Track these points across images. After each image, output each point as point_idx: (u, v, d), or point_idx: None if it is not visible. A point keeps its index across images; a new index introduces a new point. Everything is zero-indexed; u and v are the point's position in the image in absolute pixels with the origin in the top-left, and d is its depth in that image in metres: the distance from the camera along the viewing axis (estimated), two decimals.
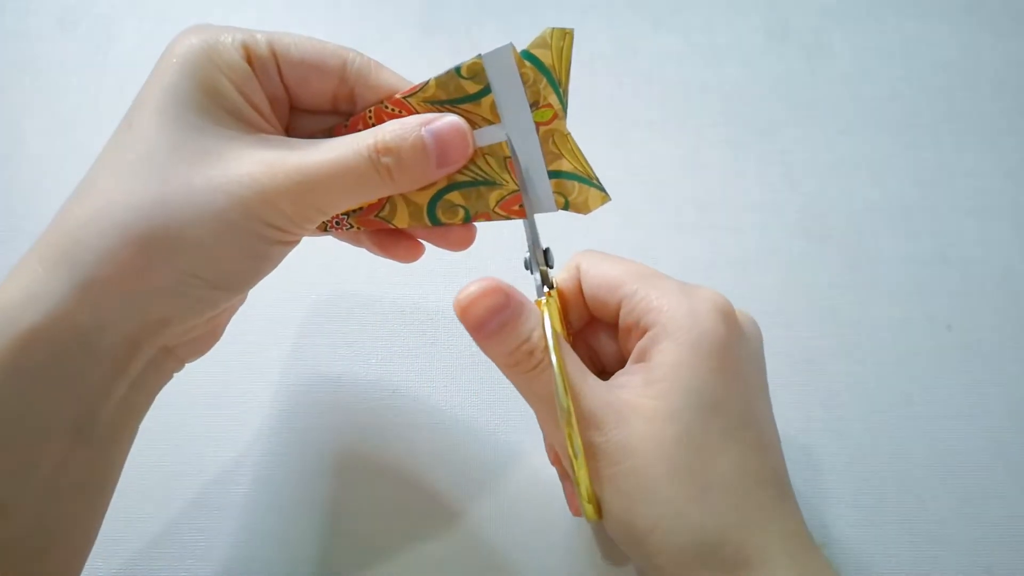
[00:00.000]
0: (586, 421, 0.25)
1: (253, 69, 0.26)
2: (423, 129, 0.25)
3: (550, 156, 0.27)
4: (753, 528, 0.25)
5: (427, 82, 0.26)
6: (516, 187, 0.27)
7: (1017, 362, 0.39)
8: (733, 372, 0.27)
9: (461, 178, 0.27)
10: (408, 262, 0.31)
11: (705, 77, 0.46)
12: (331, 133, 0.28)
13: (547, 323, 0.26)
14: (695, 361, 0.26)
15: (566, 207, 0.28)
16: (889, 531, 0.35)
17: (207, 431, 0.36)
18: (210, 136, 0.24)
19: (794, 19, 0.48)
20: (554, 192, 0.27)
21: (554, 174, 0.27)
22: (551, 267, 0.28)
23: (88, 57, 0.46)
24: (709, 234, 0.42)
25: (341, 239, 0.31)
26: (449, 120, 0.26)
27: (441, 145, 0.26)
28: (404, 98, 0.27)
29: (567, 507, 0.35)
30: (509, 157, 0.27)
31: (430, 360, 0.38)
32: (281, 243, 0.26)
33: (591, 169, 0.27)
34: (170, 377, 0.28)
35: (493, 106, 0.26)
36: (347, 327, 0.39)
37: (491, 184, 0.27)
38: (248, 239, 0.25)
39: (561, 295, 0.31)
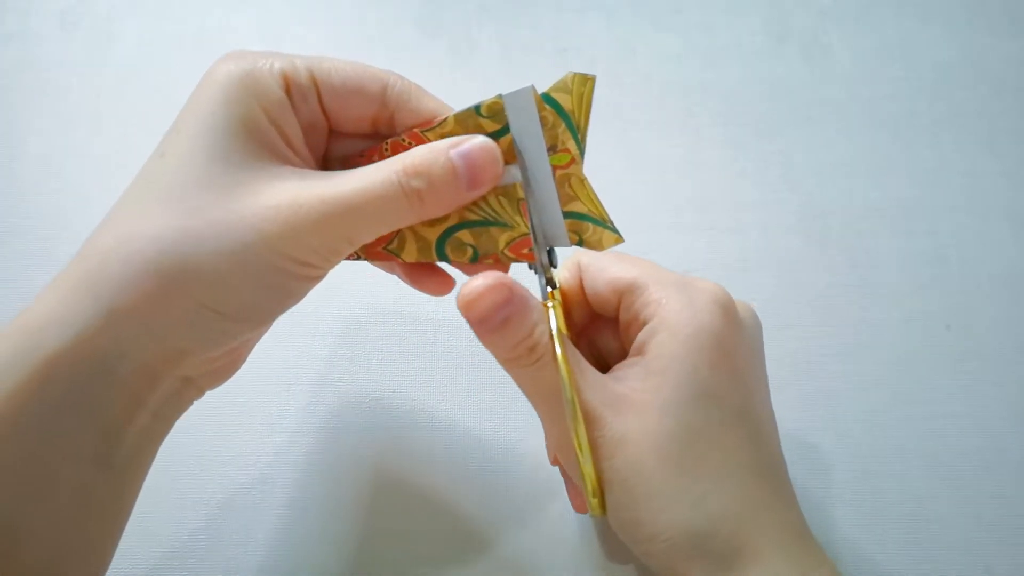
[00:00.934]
0: (584, 416, 0.25)
1: (291, 98, 0.26)
2: (452, 151, 0.25)
3: (565, 198, 0.27)
4: (746, 519, 0.25)
5: (446, 118, 0.26)
6: (527, 230, 0.27)
7: (1017, 362, 0.39)
8: (730, 365, 0.27)
9: (472, 216, 0.27)
10: (438, 295, 0.30)
11: (705, 77, 0.46)
12: (346, 164, 0.28)
13: (553, 324, 0.26)
14: (692, 354, 0.26)
15: (580, 244, 0.27)
16: (889, 531, 0.35)
17: (206, 431, 0.36)
18: (240, 168, 0.24)
19: (793, 19, 0.48)
20: (568, 231, 0.27)
21: (569, 215, 0.27)
22: (555, 267, 0.28)
23: (88, 57, 0.46)
24: (708, 234, 0.42)
25: (375, 266, 0.31)
26: (478, 141, 0.26)
27: (471, 166, 0.25)
28: (422, 132, 0.27)
29: (567, 505, 0.35)
30: (523, 199, 0.27)
31: (430, 360, 0.38)
32: (304, 278, 0.26)
33: (606, 213, 0.27)
34: (190, 404, 0.28)
35: (511, 146, 0.26)
36: (347, 326, 0.39)
37: (502, 225, 0.27)
38: (270, 273, 0.24)
39: (563, 293, 0.31)
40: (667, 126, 0.45)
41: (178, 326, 0.24)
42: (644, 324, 0.27)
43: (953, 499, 0.36)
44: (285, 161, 0.26)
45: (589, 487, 0.26)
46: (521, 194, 0.27)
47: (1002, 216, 0.42)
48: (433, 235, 0.28)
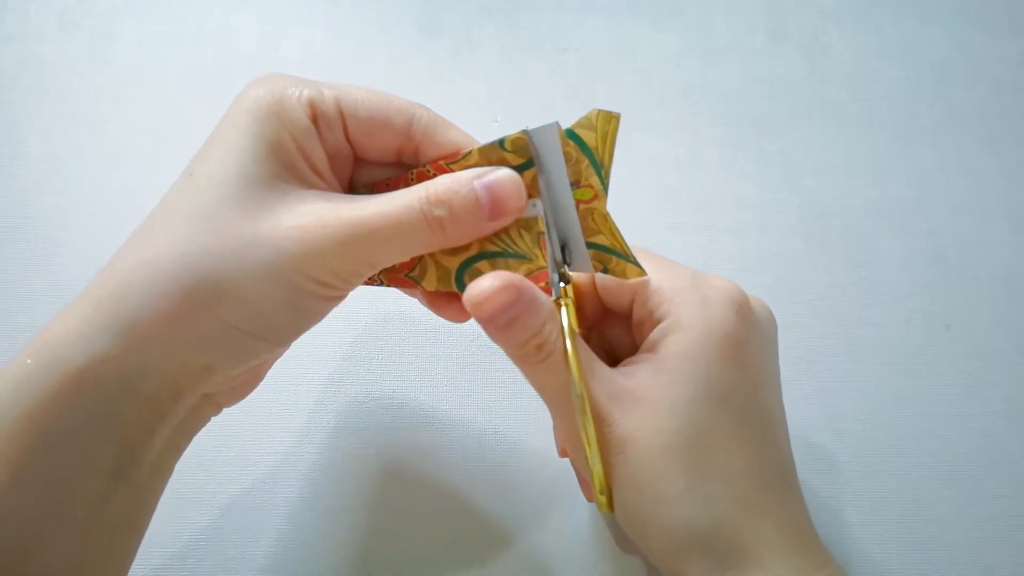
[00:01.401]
0: (593, 413, 0.26)
1: (317, 126, 0.26)
2: (475, 182, 0.25)
3: (588, 231, 0.27)
4: (749, 520, 0.25)
5: (470, 151, 0.26)
6: (544, 264, 0.27)
7: (1017, 362, 0.39)
8: (742, 364, 0.27)
9: (492, 248, 0.27)
10: (458, 322, 0.30)
11: (705, 77, 0.46)
12: (372, 190, 0.28)
13: (564, 322, 0.26)
14: (704, 353, 0.26)
15: (605, 271, 0.28)
16: (889, 531, 0.35)
17: (207, 432, 0.36)
18: (266, 190, 0.25)
19: (793, 19, 0.48)
20: (593, 260, 0.27)
21: (592, 246, 0.27)
22: (568, 264, 0.28)
23: (88, 57, 0.46)
24: (708, 234, 0.42)
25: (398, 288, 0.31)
26: (503, 173, 0.26)
27: (494, 198, 0.25)
28: (447, 164, 0.27)
29: (569, 503, 0.35)
30: (543, 233, 0.27)
31: (431, 360, 0.38)
32: (324, 298, 0.26)
33: (628, 247, 0.27)
34: (208, 421, 0.28)
35: (534, 181, 0.26)
36: (348, 326, 0.39)
37: (521, 257, 0.27)
38: (293, 293, 0.25)
39: (575, 288, 0.31)
40: (667, 126, 0.45)
41: (202, 343, 0.24)
42: (657, 322, 0.27)
43: (953, 499, 0.36)
44: (311, 185, 0.26)
45: (597, 484, 0.26)
46: (542, 228, 0.27)
47: (1002, 216, 0.42)
48: (453, 264, 0.28)
